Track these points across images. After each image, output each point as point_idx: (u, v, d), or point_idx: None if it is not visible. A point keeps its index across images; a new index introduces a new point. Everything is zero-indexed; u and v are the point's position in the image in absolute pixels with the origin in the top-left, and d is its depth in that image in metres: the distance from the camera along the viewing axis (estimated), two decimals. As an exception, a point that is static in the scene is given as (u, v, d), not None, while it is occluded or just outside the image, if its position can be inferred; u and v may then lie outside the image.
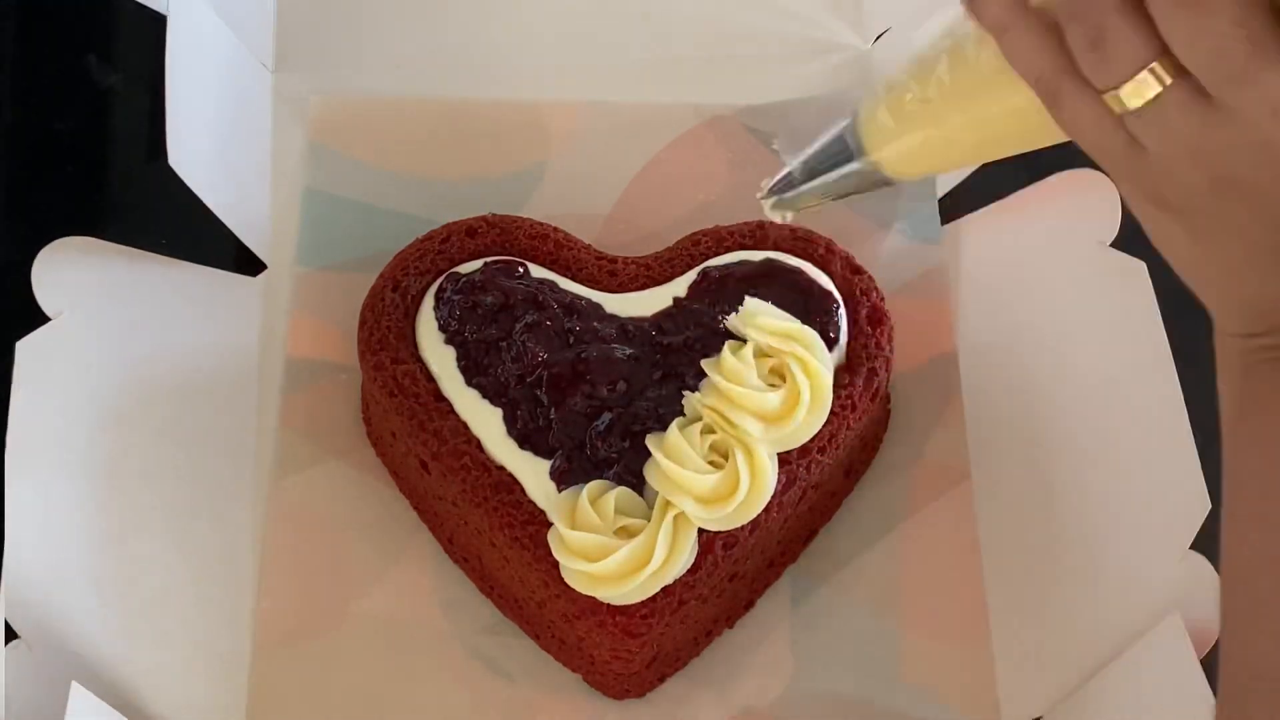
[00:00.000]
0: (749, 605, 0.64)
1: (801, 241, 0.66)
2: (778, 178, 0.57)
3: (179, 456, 0.66)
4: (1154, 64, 0.41)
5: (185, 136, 0.65)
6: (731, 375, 0.60)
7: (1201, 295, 0.48)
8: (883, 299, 0.65)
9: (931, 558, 0.65)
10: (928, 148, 0.52)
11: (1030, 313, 0.68)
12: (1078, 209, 0.67)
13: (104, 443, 0.64)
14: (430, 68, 0.76)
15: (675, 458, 0.59)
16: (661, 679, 0.63)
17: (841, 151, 0.55)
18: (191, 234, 0.70)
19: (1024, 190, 0.70)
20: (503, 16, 0.78)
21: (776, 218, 0.57)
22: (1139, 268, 0.65)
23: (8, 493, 0.60)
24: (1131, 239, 0.66)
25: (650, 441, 0.59)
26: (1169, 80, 0.42)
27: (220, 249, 0.70)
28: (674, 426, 0.59)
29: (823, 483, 0.63)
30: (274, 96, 0.75)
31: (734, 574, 0.61)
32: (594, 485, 0.59)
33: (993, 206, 0.71)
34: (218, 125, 0.70)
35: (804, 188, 0.56)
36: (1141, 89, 0.42)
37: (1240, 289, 0.46)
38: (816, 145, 0.56)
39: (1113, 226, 0.67)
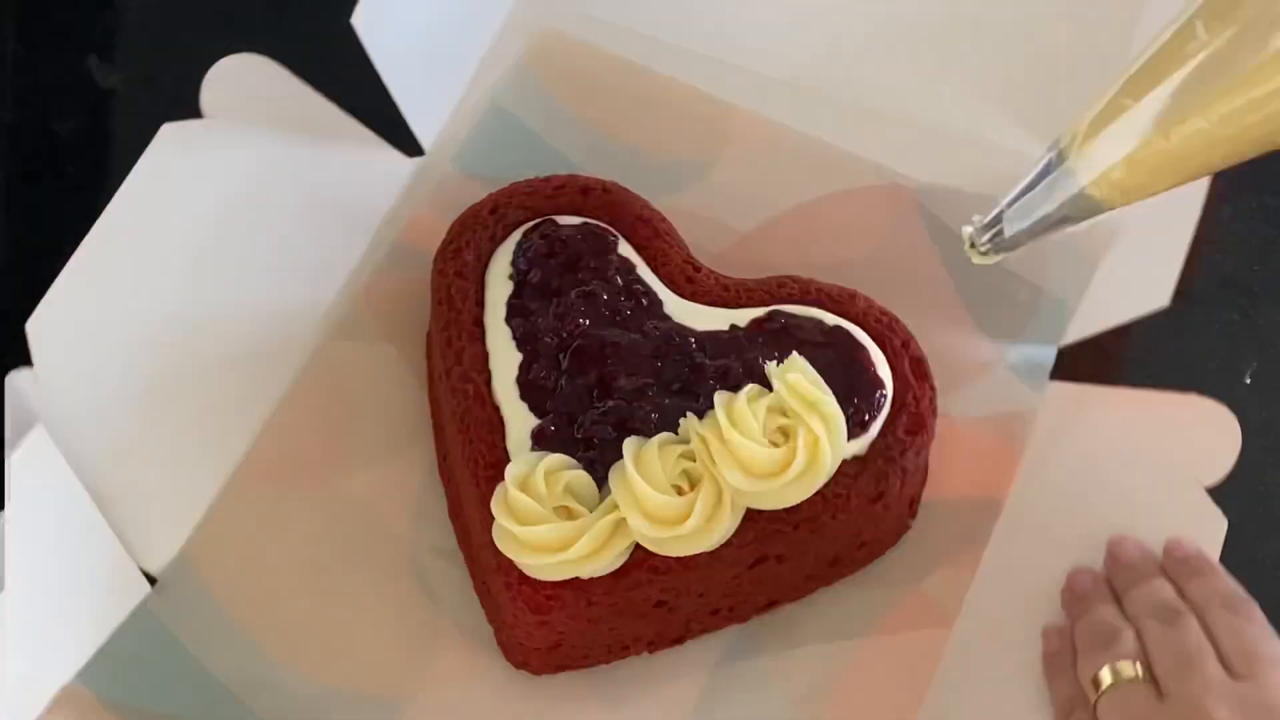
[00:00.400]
0: (677, 640, 0.63)
1: (883, 325, 0.64)
2: (988, 218, 0.57)
3: (258, 284, 0.69)
4: (1130, 660, 0.59)
5: (393, 7, 0.67)
6: (736, 417, 0.59)
7: None
8: (933, 414, 0.63)
9: (873, 684, 0.63)
10: (1142, 156, 0.51)
11: (1086, 520, 0.65)
12: (1184, 438, 0.64)
13: (198, 242, 0.68)
14: (664, 40, 0.76)
15: (641, 467, 0.59)
16: (559, 669, 0.63)
17: (1052, 176, 0.54)
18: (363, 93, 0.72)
19: (1146, 392, 0.67)
20: (747, 21, 0.77)
21: (987, 262, 0.58)
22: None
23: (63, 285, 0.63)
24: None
25: (628, 443, 0.59)
26: (1134, 672, 0.58)
27: (385, 122, 0.72)
28: (655, 440, 0.59)
29: (791, 558, 0.62)
30: (511, 11, 0.76)
31: (661, 601, 0.61)
32: (557, 458, 0.59)
33: (1107, 391, 0.67)
34: (436, 11, 0.73)
35: (1015, 221, 0.56)
36: (1118, 671, 0.59)
37: None
38: (1029, 176, 0.55)
39: (1220, 472, 0.64)
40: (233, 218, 0.69)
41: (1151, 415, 0.66)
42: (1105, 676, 0.58)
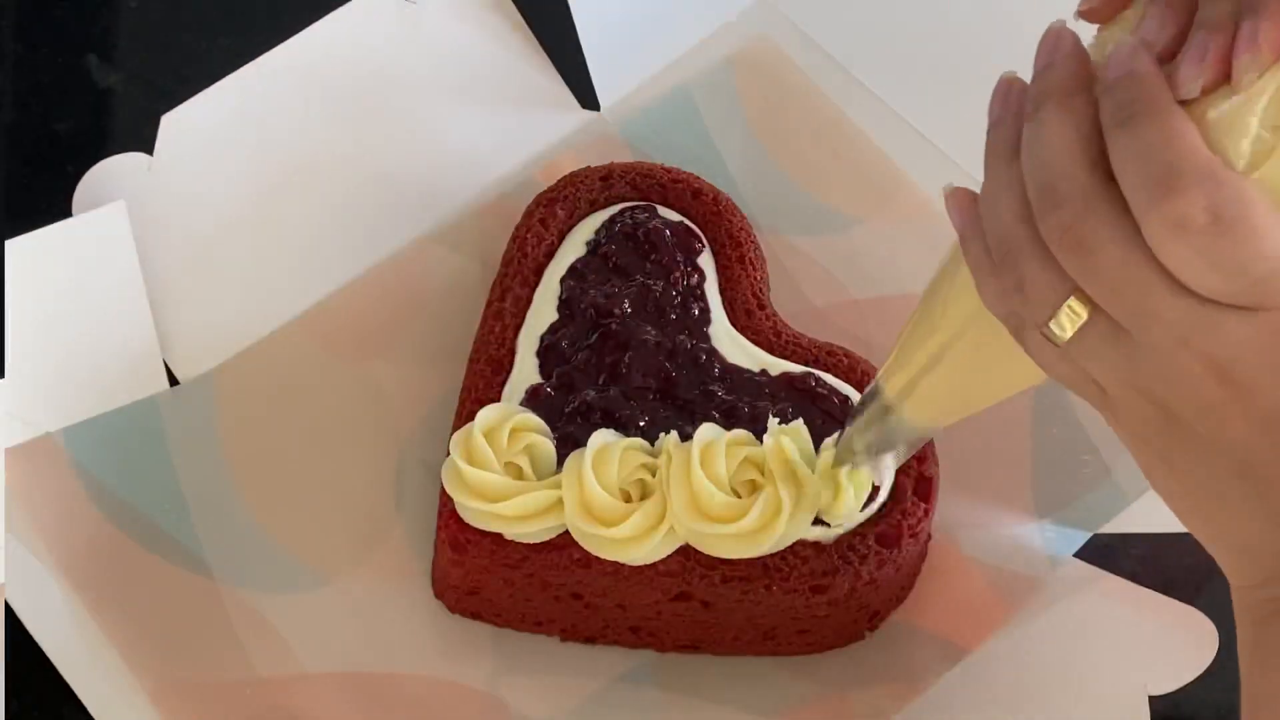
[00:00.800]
0: (589, 640, 0.63)
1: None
2: (838, 441, 0.58)
3: (392, 159, 0.71)
4: (1070, 301, 0.41)
5: None
6: (707, 452, 0.59)
7: (1202, 541, 0.45)
8: (917, 536, 0.61)
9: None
10: (933, 380, 0.50)
11: (1030, 703, 0.62)
12: (1157, 645, 0.61)
13: (358, 97, 0.71)
14: (869, 85, 0.75)
15: (599, 461, 0.59)
16: (474, 616, 0.63)
17: (874, 398, 0.54)
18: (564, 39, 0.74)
19: (1145, 591, 0.63)
20: (953, 101, 0.75)
21: (843, 474, 0.57)
22: None
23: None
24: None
25: (597, 434, 0.59)
26: (1085, 315, 0.41)
27: (573, 70, 0.74)
28: (625, 441, 0.59)
29: (719, 611, 0.61)
30: (741, 11, 0.76)
31: (577, 594, 0.61)
32: (530, 418, 0.60)
33: (1113, 580, 0.64)
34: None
35: (849, 439, 0.56)
36: (1065, 324, 0.42)
37: (1223, 529, 0.43)
38: (857, 406, 0.55)
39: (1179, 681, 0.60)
40: (399, 87, 0.72)
41: (1140, 614, 0.62)
42: (1058, 333, 0.42)
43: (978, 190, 0.45)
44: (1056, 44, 0.42)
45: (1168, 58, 0.40)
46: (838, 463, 0.58)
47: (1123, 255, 0.39)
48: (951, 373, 0.49)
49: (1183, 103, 0.39)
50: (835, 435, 0.58)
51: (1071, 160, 0.40)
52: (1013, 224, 0.42)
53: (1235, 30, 0.39)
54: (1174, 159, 0.38)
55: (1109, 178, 0.40)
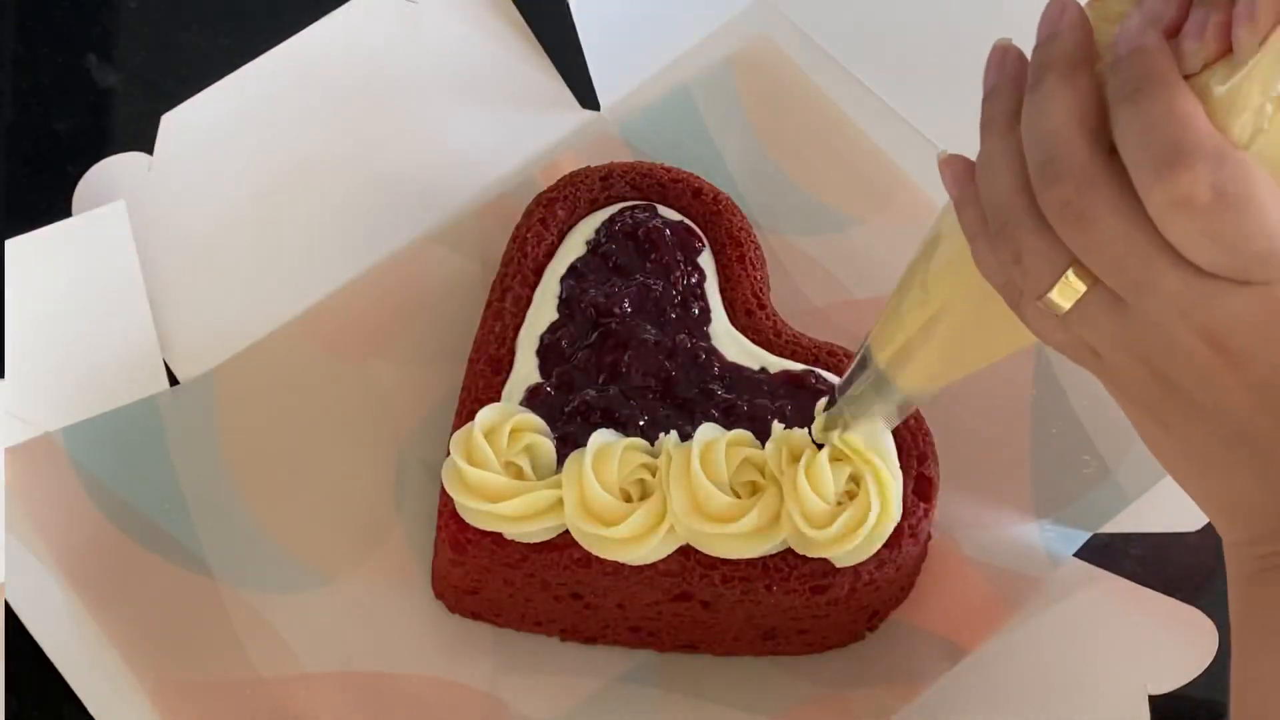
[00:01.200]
0: (590, 640, 0.63)
1: (908, 431, 0.62)
2: (826, 405, 0.58)
3: (393, 159, 0.71)
4: (1069, 273, 0.42)
5: None
6: (707, 452, 0.59)
7: (1196, 501, 0.46)
8: (918, 537, 0.61)
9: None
10: (925, 348, 0.50)
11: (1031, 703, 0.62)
12: (1157, 644, 0.60)
13: (360, 97, 0.71)
14: (869, 84, 0.75)
15: (599, 460, 0.59)
16: (474, 616, 0.64)
17: (863, 363, 0.54)
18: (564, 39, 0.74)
19: (1145, 590, 0.63)
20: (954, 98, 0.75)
21: (829, 439, 0.58)
22: None
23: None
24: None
25: (597, 434, 0.59)
26: (1083, 288, 0.42)
27: (573, 71, 0.74)
28: (625, 441, 0.59)
29: (719, 611, 0.61)
30: (742, 11, 0.76)
31: (577, 594, 0.61)
32: (530, 418, 0.60)
33: (1112, 579, 0.63)
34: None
35: (838, 404, 0.56)
36: (1064, 294, 0.42)
37: (1217, 488, 0.44)
38: (849, 371, 0.56)
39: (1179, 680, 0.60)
40: (399, 87, 0.71)
41: (1140, 614, 0.62)
42: (1056, 303, 0.42)
43: (973, 159, 0.45)
44: (1062, 14, 0.42)
45: (1172, 33, 0.40)
46: (827, 428, 0.58)
47: (1123, 229, 0.40)
48: (946, 340, 0.49)
49: (1186, 77, 0.39)
50: (823, 401, 0.58)
51: (1073, 133, 0.40)
52: (1010, 194, 0.42)
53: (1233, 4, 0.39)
54: (1179, 135, 0.38)
55: (1110, 151, 0.40)
